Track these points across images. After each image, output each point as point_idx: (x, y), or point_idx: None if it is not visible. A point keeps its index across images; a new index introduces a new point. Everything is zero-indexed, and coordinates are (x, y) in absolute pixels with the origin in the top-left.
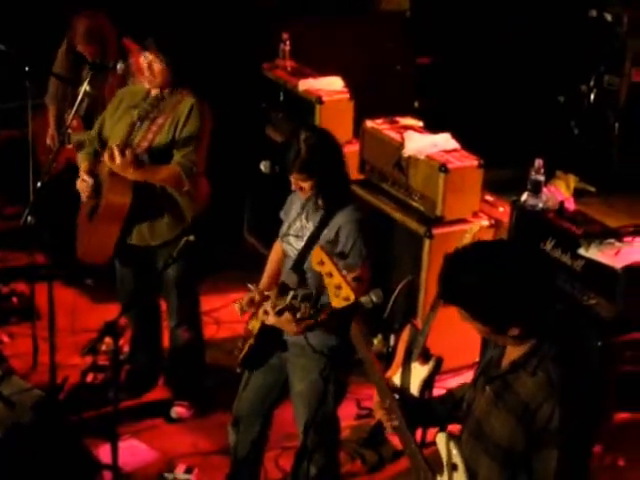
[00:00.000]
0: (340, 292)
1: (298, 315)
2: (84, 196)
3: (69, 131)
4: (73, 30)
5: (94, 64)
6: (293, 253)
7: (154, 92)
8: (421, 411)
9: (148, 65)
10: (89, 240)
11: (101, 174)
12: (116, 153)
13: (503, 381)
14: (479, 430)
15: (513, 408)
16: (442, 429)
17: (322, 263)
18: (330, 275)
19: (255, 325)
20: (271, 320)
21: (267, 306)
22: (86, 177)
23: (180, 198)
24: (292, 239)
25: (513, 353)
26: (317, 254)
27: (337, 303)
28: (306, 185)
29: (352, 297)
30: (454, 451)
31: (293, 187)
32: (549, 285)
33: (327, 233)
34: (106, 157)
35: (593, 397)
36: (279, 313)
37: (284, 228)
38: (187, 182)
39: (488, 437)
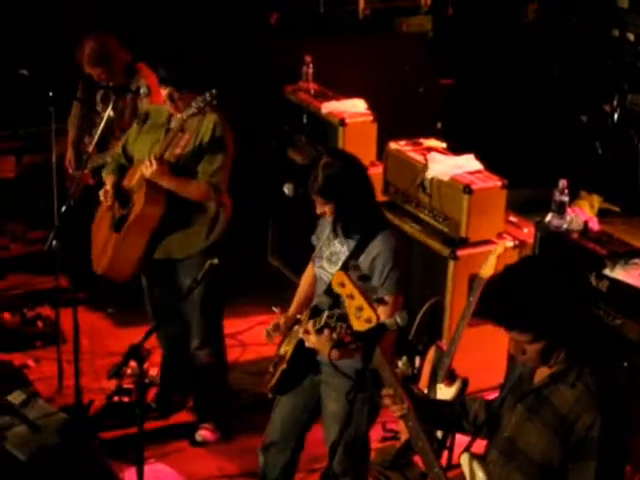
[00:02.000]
0: (362, 314)
1: (334, 335)
2: (105, 205)
3: (85, 157)
4: (80, 52)
5: (118, 88)
6: (327, 277)
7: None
8: (433, 411)
9: (168, 96)
10: (114, 253)
11: (131, 186)
12: (154, 161)
13: (538, 395)
14: (512, 448)
15: (549, 421)
16: (449, 431)
17: (343, 285)
18: (351, 297)
19: (288, 349)
20: (312, 340)
21: (308, 325)
22: (109, 187)
23: (207, 214)
24: (325, 263)
25: (544, 368)
26: (338, 276)
27: (359, 325)
28: (327, 209)
29: (374, 319)
30: (479, 473)
31: (317, 210)
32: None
33: (364, 259)
34: (143, 167)
35: (626, 412)
36: (319, 332)
37: (317, 252)
38: (215, 199)
39: (522, 454)
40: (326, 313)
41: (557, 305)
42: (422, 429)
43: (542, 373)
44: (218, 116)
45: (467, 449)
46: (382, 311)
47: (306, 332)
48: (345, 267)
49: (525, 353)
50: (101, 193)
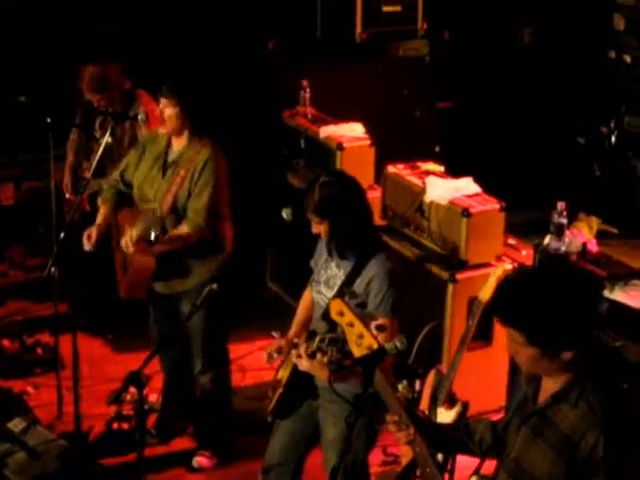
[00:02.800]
0: (362, 341)
1: (325, 359)
2: (85, 246)
3: (83, 182)
4: (80, 79)
5: (116, 114)
6: (323, 302)
7: (176, 144)
8: (438, 435)
9: (161, 111)
10: (128, 282)
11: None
12: (129, 244)
13: (542, 417)
14: (518, 470)
15: (554, 443)
16: (454, 454)
17: (342, 314)
18: (351, 325)
19: (284, 374)
20: (304, 364)
21: (300, 350)
22: (93, 232)
23: (203, 248)
24: (322, 287)
25: (550, 386)
26: (336, 305)
27: (359, 352)
28: (322, 228)
29: (375, 345)
30: None
31: (313, 230)
32: (596, 315)
33: (359, 283)
34: (122, 243)
35: (633, 428)
36: (312, 356)
37: (314, 276)
38: (200, 234)
39: (528, 475)
40: (318, 337)
41: (562, 315)
42: (430, 454)
43: (546, 393)
44: (211, 151)
45: (476, 472)
46: (381, 335)
47: (299, 356)
48: (341, 293)
49: (517, 355)
50: (85, 232)
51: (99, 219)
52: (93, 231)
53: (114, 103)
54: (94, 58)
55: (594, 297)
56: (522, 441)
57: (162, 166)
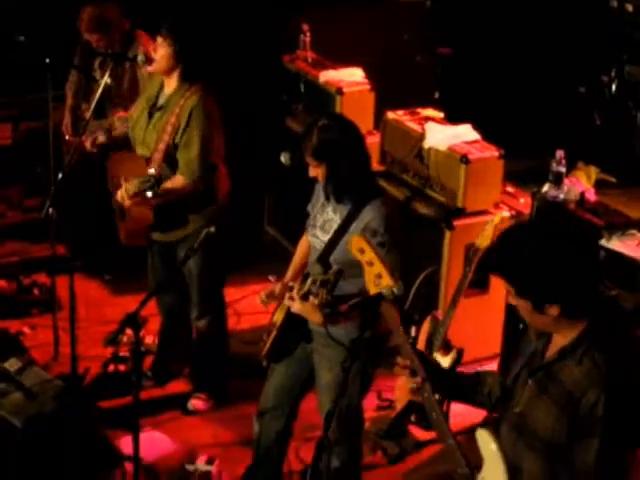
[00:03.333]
0: (380, 281)
1: (316, 301)
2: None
3: (83, 123)
4: (79, 19)
5: (116, 55)
6: (319, 245)
7: (166, 88)
8: (448, 382)
9: (154, 48)
10: (126, 236)
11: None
12: (124, 197)
13: (547, 372)
14: (522, 424)
15: (557, 398)
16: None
17: (362, 251)
18: (370, 264)
19: (279, 317)
20: (296, 306)
21: (293, 292)
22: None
23: (196, 195)
24: (318, 231)
25: (559, 342)
26: (357, 241)
27: (376, 292)
28: (319, 171)
29: (394, 287)
30: (493, 447)
31: (310, 173)
32: (596, 269)
33: (355, 227)
34: (118, 196)
35: (636, 389)
36: (304, 298)
37: (310, 220)
38: (195, 185)
39: (532, 430)
40: (310, 279)
41: (550, 267)
42: (436, 400)
43: (554, 348)
44: (198, 99)
45: (484, 424)
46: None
47: (291, 299)
48: (337, 235)
49: (517, 308)
50: (118, 194)
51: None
52: (101, 134)
53: (113, 44)
54: None
55: (589, 249)
56: (527, 396)
57: (150, 109)
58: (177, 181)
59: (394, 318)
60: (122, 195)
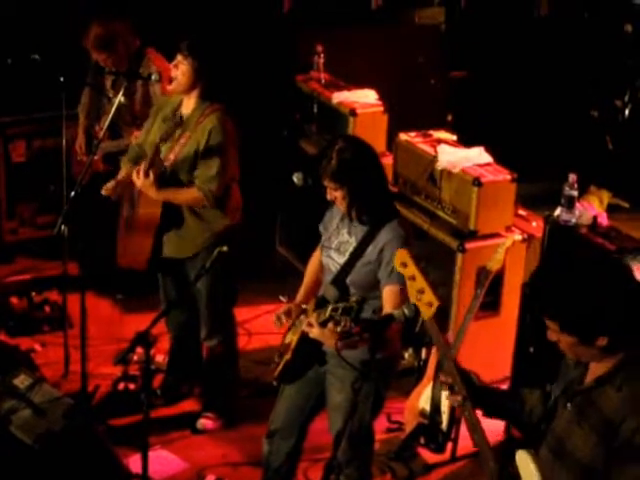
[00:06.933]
0: (423, 297)
1: (338, 329)
2: (106, 191)
3: (95, 142)
4: (86, 37)
5: (129, 74)
6: (334, 267)
7: (185, 108)
8: (489, 401)
9: (175, 66)
10: (125, 249)
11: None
12: (140, 174)
13: (586, 398)
14: (560, 448)
15: (595, 425)
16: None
17: (405, 265)
18: (413, 278)
19: (293, 338)
20: (315, 332)
21: (311, 318)
22: (110, 183)
23: (206, 211)
24: (333, 253)
25: (597, 370)
26: (401, 255)
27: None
28: (338, 195)
29: (436, 303)
30: (532, 466)
31: (328, 197)
32: (638, 298)
33: (372, 249)
34: (133, 176)
35: None
36: (323, 324)
37: (324, 241)
38: (210, 205)
39: (570, 455)
40: (330, 306)
41: (592, 303)
42: (479, 421)
43: (592, 376)
44: (217, 118)
45: (524, 446)
46: (389, 302)
47: (309, 325)
48: (353, 257)
49: (559, 343)
50: (134, 173)
51: (120, 175)
52: (112, 183)
53: (121, 62)
54: (107, 16)
55: (627, 283)
56: (566, 420)
57: (167, 129)
58: (191, 192)
59: (437, 334)
60: (139, 170)
